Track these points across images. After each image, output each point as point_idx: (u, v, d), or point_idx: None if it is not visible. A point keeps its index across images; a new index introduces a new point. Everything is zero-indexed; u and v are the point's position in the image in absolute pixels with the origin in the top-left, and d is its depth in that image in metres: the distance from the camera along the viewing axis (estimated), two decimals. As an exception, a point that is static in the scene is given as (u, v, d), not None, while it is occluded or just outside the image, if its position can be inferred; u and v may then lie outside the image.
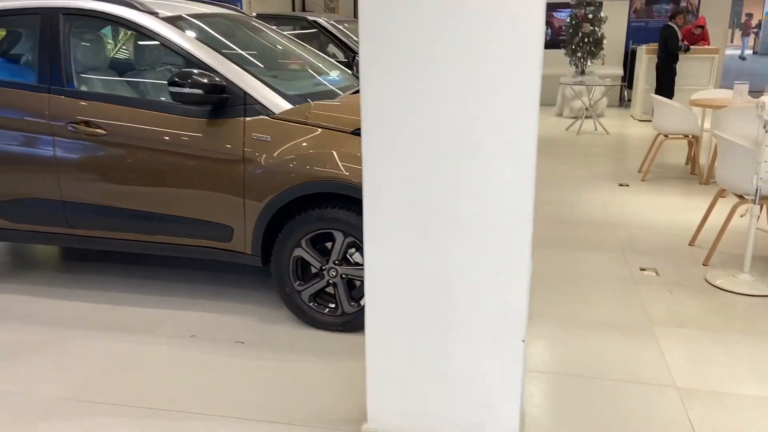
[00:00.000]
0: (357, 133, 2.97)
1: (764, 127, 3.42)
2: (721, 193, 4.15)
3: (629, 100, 11.83)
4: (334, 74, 3.94)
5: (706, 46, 10.12)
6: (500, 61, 1.82)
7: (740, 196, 3.86)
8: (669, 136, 6.23)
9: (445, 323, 2.08)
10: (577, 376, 2.75)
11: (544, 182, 6.16)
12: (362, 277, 2.98)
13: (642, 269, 3.96)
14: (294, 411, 2.49)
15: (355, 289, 3.09)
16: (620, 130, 9.36)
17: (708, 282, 3.73)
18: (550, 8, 12.51)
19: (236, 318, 3.30)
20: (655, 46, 9.86)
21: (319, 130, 3.02)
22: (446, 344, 2.10)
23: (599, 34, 10.45)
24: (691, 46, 9.67)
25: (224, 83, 3.04)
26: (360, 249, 3.02)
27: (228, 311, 3.38)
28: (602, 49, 10.57)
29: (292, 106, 3.10)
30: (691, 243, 4.38)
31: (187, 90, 2.94)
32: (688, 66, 9.69)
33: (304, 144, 2.99)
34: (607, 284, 3.72)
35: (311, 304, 3.14)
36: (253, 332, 3.15)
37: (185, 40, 3.16)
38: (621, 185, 6.07)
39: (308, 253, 3.06)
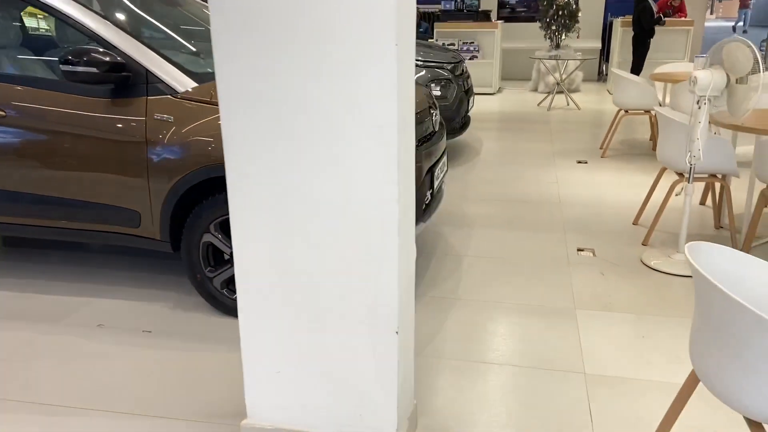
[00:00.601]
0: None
1: (697, 103, 3.30)
2: (665, 171, 4.04)
3: (607, 75, 11.65)
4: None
5: (682, 18, 9.93)
6: (353, 35, 1.70)
7: (680, 174, 3.75)
8: (629, 111, 6.10)
9: (317, 315, 1.98)
10: (487, 363, 2.67)
11: (500, 160, 6.04)
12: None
13: (579, 250, 3.87)
14: (182, 405, 2.41)
15: (266, 274, 2.98)
16: (594, 105, 9.21)
17: (643, 263, 3.64)
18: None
19: (149, 305, 3.20)
20: (629, 18, 9.67)
21: (224, 110, 2.89)
22: (320, 337, 2.00)
23: (574, 7, 10.24)
24: (667, 19, 9.49)
25: (124, 61, 2.91)
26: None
27: (142, 298, 3.28)
28: (577, 22, 10.36)
29: (197, 85, 2.97)
30: (635, 222, 4.28)
31: (81, 69, 2.80)
32: (661, 39, 9.52)
33: (209, 125, 2.86)
34: (540, 266, 3.63)
35: (224, 290, 3.04)
36: (164, 320, 3.05)
37: (83, 14, 3.01)
38: (579, 162, 5.96)
39: (218, 238, 2.96)
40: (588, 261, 3.70)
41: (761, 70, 3.07)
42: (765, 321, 1.40)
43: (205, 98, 2.92)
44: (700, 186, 4.87)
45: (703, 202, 4.65)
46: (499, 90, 10.76)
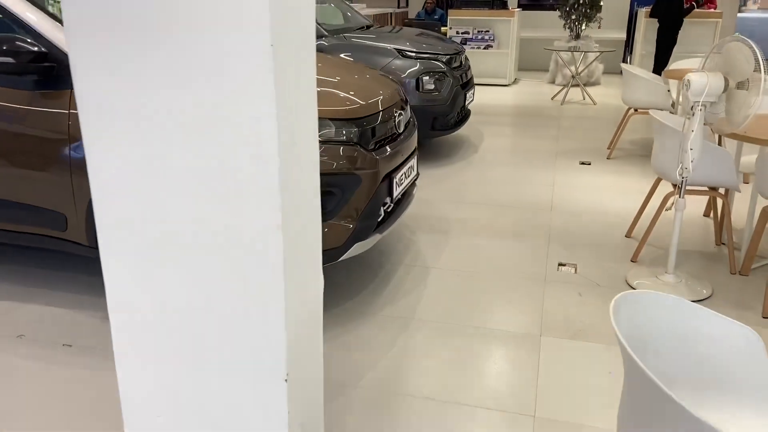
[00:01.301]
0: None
1: (690, 109, 2.93)
2: (661, 180, 3.67)
3: (630, 67, 11.12)
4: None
5: (712, 10, 9.37)
6: (221, 35, 1.41)
7: (675, 186, 3.39)
8: (638, 110, 5.69)
9: (199, 358, 1.71)
10: (429, 399, 2.38)
11: (497, 158, 5.69)
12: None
13: (561, 264, 3.54)
14: (78, 435, 2.17)
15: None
16: (612, 100, 8.75)
17: (627, 283, 3.30)
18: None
19: (76, 314, 2.97)
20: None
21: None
22: (203, 382, 1.74)
23: (595, -5, 9.74)
24: (696, 9, 8.94)
25: (47, 50, 2.66)
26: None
27: (70, 305, 3.05)
28: (599, 11, 9.88)
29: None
30: (628, 234, 3.93)
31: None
32: (686, 33, 8.99)
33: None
34: (513, 283, 3.32)
35: (154, 302, 2.80)
36: (87, 332, 2.82)
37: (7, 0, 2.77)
38: (582, 163, 5.58)
39: (146, 246, 2.70)
40: (567, 278, 3.37)
41: (763, 73, 2.70)
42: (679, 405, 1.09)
43: (134, 93, 2.65)
44: (702, 198, 4.48)
45: (707, 214, 4.27)
46: (515, 81, 10.34)
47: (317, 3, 6.46)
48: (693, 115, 2.92)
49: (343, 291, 3.19)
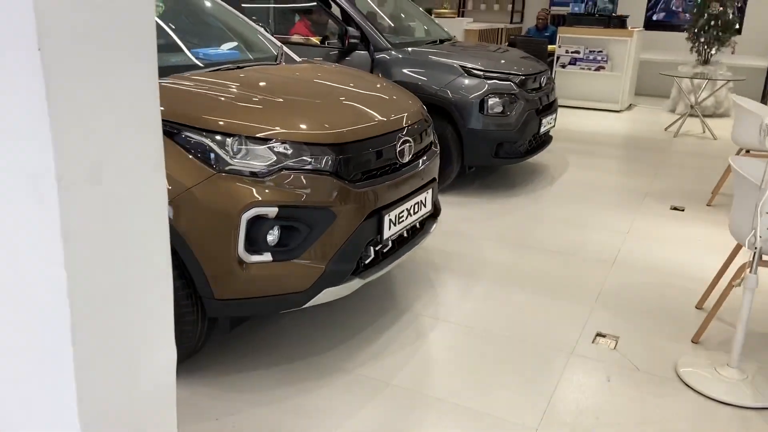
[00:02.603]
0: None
1: (770, 161, 2.24)
2: (741, 246, 2.93)
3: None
4: (225, 46, 3.24)
5: None
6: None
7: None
8: (750, 151, 4.79)
9: None
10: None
11: (573, 194, 5.02)
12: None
13: (599, 335, 2.90)
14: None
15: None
16: (735, 135, 7.64)
17: (676, 372, 2.62)
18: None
19: None
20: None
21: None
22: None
23: (730, 17, 8.63)
24: None
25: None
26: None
27: None
28: (734, 34, 8.74)
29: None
30: (699, 305, 3.19)
31: None
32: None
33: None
34: (531, 351, 2.74)
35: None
36: None
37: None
38: (674, 208, 4.78)
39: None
40: (601, 354, 2.74)
41: None
42: None
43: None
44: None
45: (813, 289, 3.41)
46: (629, 107, 9.40)
47: (399, 15, 6.11)
48: (772, 168, 2.23)
49: (317, 340, 2.78)
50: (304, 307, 2.44)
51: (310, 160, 2.34)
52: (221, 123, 2.28)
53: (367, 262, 2.60)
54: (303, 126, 2.39)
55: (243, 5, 5.13)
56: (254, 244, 2.26)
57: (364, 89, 3.02)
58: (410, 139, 2.74)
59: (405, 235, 2.85)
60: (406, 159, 2.72)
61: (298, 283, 2.36)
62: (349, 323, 2.92)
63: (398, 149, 2.66)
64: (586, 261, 3.74)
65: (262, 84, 2.76)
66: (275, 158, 2.29)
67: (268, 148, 2.28)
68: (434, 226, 3.09)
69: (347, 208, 2.40)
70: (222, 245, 2.21)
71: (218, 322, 2.44)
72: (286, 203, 2.27)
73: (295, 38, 5.21)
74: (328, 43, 5.01)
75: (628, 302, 3.23)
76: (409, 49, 4.86)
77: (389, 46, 4.83)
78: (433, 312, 3.06)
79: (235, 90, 2.55)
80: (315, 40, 5.23)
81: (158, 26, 3.38)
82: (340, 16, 4.90)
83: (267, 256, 2.29)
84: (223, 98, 2.47)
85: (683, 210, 4.75)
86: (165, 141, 2.21)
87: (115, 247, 1.24)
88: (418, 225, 2.95)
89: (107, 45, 1.15)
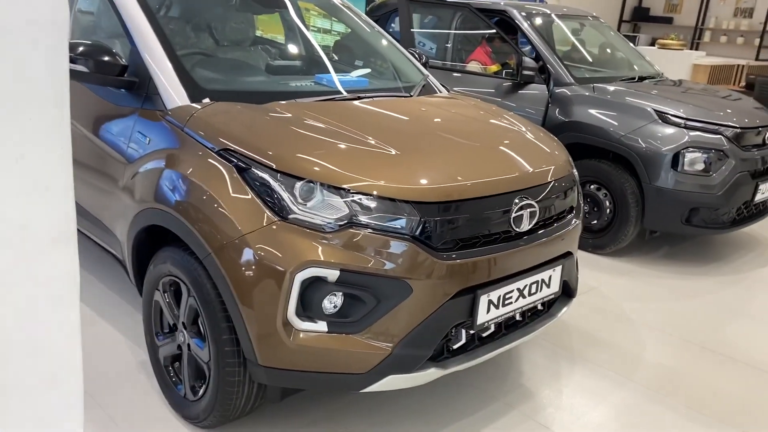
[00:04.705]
0: (223, 154, 2.06)
1: None
2: None
3: None
4: (355, 72, 2.92)
5: None
6: None
7: None
8: None
9: None
10: None
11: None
12: (203, 356, 2.11)
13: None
14: None
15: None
16: None
17: None
18: None
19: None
20: None
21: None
22: None
23: None
24: None
25: (126, 63, 2.42)
26: (206, 314, 2.09)
27: None
28: None
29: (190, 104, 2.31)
30: None
31: (79, 66, 2.39)
32: None
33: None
34: None
35: (169, 367, 2.37)
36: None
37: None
38: None
39: (165, 300, 2.29)
40: None
41: None
42: None
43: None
44: None
45: None
46: None
47: (595, 44, 5.39)
48: None
49: (391, 423, 2.32)
50: (362, 391, 2.02)
51: (387, 218, 1.92)
52: (291, 162, 1.96)
53: (455, 347, 2.10)
54: (385, 178, 1.97)
55: (418, 29, 4.85)
56: (308, 309, 1.90)
57: (492, 134, 2.52)
58: (533, 203, 2.17)
59: (519, 318, 2.29)
60: (525, 227, 2.16)
61: (357, 364, 1.95)
62: (435, 410, 2.42)
63: (514, 215, 2.12)
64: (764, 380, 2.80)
65: (366, 119, 2.41)
66: (347, 211, 1.91)
67: (345, 200, 1.91)
68: (564, 309, 2.47)
69: (429, 282, 1.93)
70: (270, 306, 1.88)
71: (268, 389, 2.12)
72: (351, 267, 1.87)
73: (471, 66, 4.80)
74: (505, 74, 4.53)
75: (834, 462, 2.30)
76: (594, 85, 4.19)
77: (572, 80, 4.20)
78: (545, 419, 2.44)
79: (328, 125, 2.22)
80: (494, 68, 4.77)
81: (284, 49, 3.21)
82: (520, 43, 4.38)
83: (322, 326, 1.91)
84: (309, 133, 2.15)
85: None
86: (233, 177, 1.96)
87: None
88: (540, 306, 2.37)
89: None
